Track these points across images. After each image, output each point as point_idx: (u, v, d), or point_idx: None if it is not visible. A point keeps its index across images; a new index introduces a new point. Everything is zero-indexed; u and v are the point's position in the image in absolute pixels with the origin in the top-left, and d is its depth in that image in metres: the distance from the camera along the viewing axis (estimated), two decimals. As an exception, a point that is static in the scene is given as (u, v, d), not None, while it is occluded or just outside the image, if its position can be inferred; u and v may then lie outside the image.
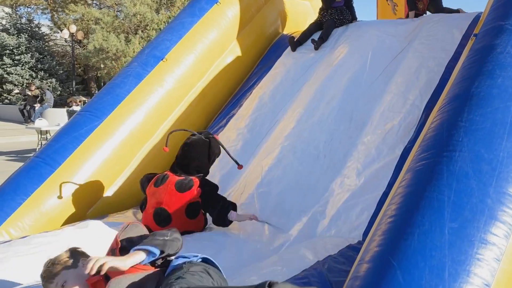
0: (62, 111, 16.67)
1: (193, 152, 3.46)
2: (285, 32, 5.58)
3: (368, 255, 2.07)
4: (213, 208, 3.30)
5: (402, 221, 2.08)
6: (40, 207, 3.49)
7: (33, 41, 23.11)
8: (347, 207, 3.22)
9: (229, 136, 4.38)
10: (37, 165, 3.65)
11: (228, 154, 3.43)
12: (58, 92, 22.53)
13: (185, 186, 3.29)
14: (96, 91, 26.51)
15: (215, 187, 3.40)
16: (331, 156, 3.63)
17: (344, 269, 2.54)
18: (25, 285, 2.56)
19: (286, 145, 3.87)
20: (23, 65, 22.47)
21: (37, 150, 11.74)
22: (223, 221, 3.31)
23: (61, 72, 23.64)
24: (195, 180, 3.34)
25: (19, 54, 22.41)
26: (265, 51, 5.34)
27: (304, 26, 5.67)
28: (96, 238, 3.09)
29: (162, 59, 4.41)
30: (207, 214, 3.43)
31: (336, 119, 3.87)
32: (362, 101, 3.91)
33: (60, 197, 3.59)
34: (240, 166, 3.44)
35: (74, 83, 22.49)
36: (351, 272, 2.15)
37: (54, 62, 23.49)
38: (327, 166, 3.59)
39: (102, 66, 22.48)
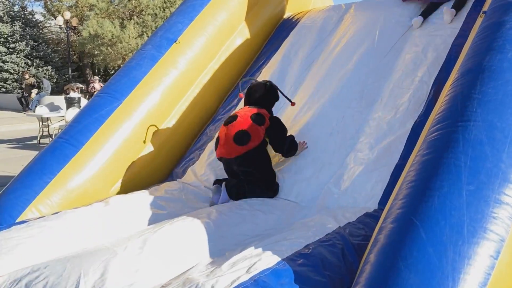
0: (60, 98, 16.72)
1: (257, 93, 3.84)
2: (290, 13, 5.70)
3: (391, 217, 2.24)
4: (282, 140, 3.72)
5: (423, 185, 2.25)
6: (67, 185, 3.64)
7: (27, 29, 23.03)
8: (362, 179, 3.39)
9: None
10: (61, 146, 3.79)
11: (284, 95, 3.98)
12: (55, 80, 22.55)
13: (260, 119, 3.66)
14: (92, 78, 26.52)
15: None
16: (344, 132, 3.79)
17: (364, 234, 2.72)
18: (61, 256, 2.69)
19: (300, 123, 4.03)
20: (18, 53, 22.41)
21: (38, 137, 11.87)
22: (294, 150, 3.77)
23: (57, 59, 23.60)
24: (266, 113, 3.74)
25: (13, 42, 22.34)
26: (272, 31, 5.46)
27: (308, 7, 5.80)
28: (121, 212, 3.26)
29: (175, 42, 4.53)
30: None
31: (347, 97, 4.03)
32: (372, 78, 4.06)
33: (85, 175, 3.75)
34: (292, 103, 4.00)
35: (70, 70, 22.46)
36: (375, 233, 2.33)
37: (49, 50, 23.45)
38: (340, 142, 3.75)
39: (97, 52, 22.43)
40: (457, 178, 2.19)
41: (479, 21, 2.98)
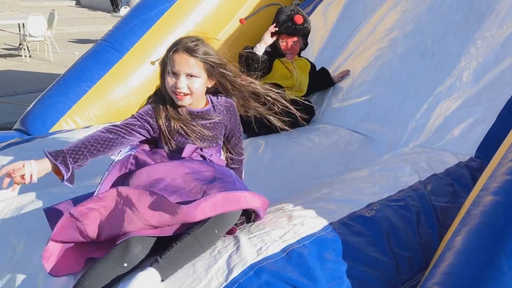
0: None
1: None
2: None
3: (497, 182, 1.54)
4: None
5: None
6: (107, 96, 3.24)
7: None
8: (458, 116, 2.63)
9: (316, 26, 3.79)
10: (104, 50, 3.34)
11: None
12: (145, -19, 22.25)
13: None
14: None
15: None
16: (441, 54, 2.97)
17: (452, 193, 2.04)
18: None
19: (386, 39, 3.24)
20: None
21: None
22: None
23: (147, -41, 23.17)
24: None
25: None
26: None
27: None
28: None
29: None
30: None
31: (451, 8, 3.13)
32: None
33: (128, 86, 3.31)
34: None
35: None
36: (468, 202, 1.65)
37: None
38: (435, 66, 2.95)
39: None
40: None
41: None
